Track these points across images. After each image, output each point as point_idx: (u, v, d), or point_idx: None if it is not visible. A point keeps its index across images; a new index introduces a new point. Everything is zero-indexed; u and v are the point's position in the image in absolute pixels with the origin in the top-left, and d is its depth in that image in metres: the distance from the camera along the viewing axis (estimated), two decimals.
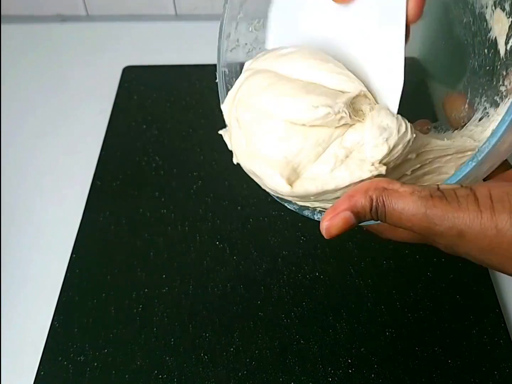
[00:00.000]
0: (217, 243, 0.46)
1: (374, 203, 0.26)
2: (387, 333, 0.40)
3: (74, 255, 0.45)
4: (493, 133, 0.25)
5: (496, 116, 0.30)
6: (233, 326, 0.41)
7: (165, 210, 0.49)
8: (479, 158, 0.25)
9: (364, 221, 0.27)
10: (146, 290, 0.43)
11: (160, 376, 0.38)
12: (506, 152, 0.27)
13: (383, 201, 0.25)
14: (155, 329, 0.41)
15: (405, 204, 0.25)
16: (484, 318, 0.41)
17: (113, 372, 0.39)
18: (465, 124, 0.33)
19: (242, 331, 0.40)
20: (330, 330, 0.40)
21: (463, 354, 0.39)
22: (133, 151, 0.54)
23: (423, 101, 0.41)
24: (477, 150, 0.26)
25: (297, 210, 0.32)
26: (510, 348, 0.39)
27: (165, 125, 0.56)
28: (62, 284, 0.43)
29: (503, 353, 0.39)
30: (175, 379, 0.38)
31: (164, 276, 0.44)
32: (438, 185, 0.25)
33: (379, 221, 0.27)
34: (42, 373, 0.39)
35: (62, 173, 0.53)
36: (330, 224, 0.26)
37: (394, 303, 0.42)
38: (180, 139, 0.55)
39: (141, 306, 0.42)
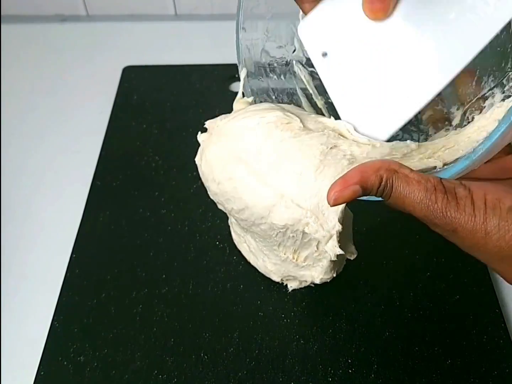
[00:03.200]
0: (217, 243, 0.46)
1: (383, 183, 0.27)
2: (387, 333, 0.40)
3: (74, 255, 0.45)
4: (489, 136, 0.26)
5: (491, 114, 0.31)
6: (233, 326, 0.41)
7: (165, 210, 0.49)
8: (474, 158, 0.27)
9: (368, 195, 0.28)
10: (146, 290, 0.43)
11: (160, 376, 0.38)
12: (502, 146, 0.28)
13: (392, 182, 0.27)
14: (155, 329, 0.41)
15: (411, 190, 0.27)
16: (484, 318, 0.41)
17: (113, 372, 0.39)
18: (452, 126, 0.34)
19: (242, 331, 0.40)
20: (330, 330, 0.40)
21: (463, 354, 0.39)
22: (133, 151, 0.54)
23: None
24: (472, 150, 0.27)
25: None
26: (510, 348, 0.39)
27: (165, 125, 0.56)
28: (62, 284, 0.43)
29: (503, 353, 0.39)
30: (175, 379, 0.38)
31: (164, 276, 0.44)
32: (441, 178, 0.28)
33: (380, 199, 0.29)
34: (42, 373, 0.39)
35: (62, 173, 0.53)
36: (339, 195, 0.28)
37: (394, 303, 0.42)
38: (180, 139, 0.55)
39: (141, 306, 0.42)
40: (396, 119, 0.33)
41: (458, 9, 0.29)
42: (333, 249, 0.35)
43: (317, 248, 0.37)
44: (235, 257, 0.45)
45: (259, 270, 0.43)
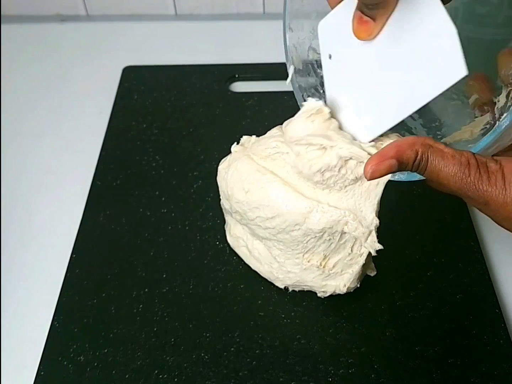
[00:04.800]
0: (217, 243, 0.46)
1: (418, 157, 0.29)
2: (387, 333, 0.40)
3: (74, 255, 0.45)
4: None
5: None
6: (234, 326, 0.41)
7: (165, 210, 0.49)
8: (498, 131, 0.28)
9: (403, 170, 0.30)
10: (146, 289, 0.43)
11: (160, 376, 0.38)
12: None
13: (428, 156, 0.29)
14: (155, 329, 0.41)
15: (446, 164, 0.28)
16: (484, 318, 0.41)
17: (113, 372, 0.38)
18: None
19: (242, 331, 0.40)
20: (331, 330, 0.40)
21: (463, 354, 0.39)
22: (133, 151, 0.54)
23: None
24: (497, 124, 0.29)
25: None
26: (510, 348, 0.39)
27: (165, 125, 0.56)
28: (62, 284, 0.43)
29: (503, 353, 0.39)
30: (175, 379, 0.38)
31: (164, 276, 0.44)
32: (474, 153, 0.29)
33: (414, 174, 0.30)
34: (42, 373, 0.39)
35: (62, 173, 0.53)
36: (376, 168, 0.29)
37: (394, 303, 0.42)
38: (180, 139, 0.55)
39: (141, 305, 0.42)
40: (379, 126, 0.35)
41: (419, 57, 0.31)
42: (373, 244, 0.36)
43: (352, 250, 0.38)
44: (235, 257, 0.45)
45: (262, 275, 0.43)
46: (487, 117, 0.37)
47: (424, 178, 0.30)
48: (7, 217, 0.49)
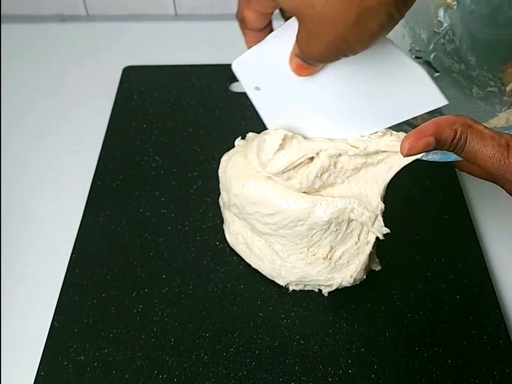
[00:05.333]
0: (217, 243, 0.46)
1: (457, 136, 0.28)
2: (387, 333, 0.40)
3: (74, 255, 0.45)
4: None
5: None
6: (233, 326, 0.41)
7: (165, 210, 0.49)
8: None
9: (440, 149, 0.29)
10: (146, 290, 0.43)
11: (160, 376, 0.38)
12: None
13: (467, 136, 0.28)
14: (155, 329, 0.41)
15: (484, 145, 0.28)
16: (484, 318, 0.41)
17: (113, 372, 0.39)
18: None
19: (242, 331, 0.40)
20: (330, 330, 0.40)
21: (463, 354, 0.39)
22: (133, 151, 0.54)
23: None
24: None
25: None
26: (510, 348, 0.39)
27: (165, 125, 0.56)
28: (62, 284, 0.43)
29: (503, 353, 0.39)
30: (175, 379, 0.38)
31: (164, 276, 0.44)
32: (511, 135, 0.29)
33: (449, 154, 0.30)
34: (42, 373, 0.39)
35: (62, 173, 0.53)
36: (413, 145, 0.28)
37: (394, 303, 0.42)
38: (180, 139, 0.55)
39: (141, 306, 0.42)
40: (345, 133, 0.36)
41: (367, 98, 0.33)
42: (380, 228, 0.37)
43: (359, 239, 0.38)
44: (235, 257, 0.45)
45: (262, 272, 0.43)
46: None
47: (460, 159, 0.30)
48: (7, 217, 0.49)
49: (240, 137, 0.43)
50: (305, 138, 0.37)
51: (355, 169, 0.36)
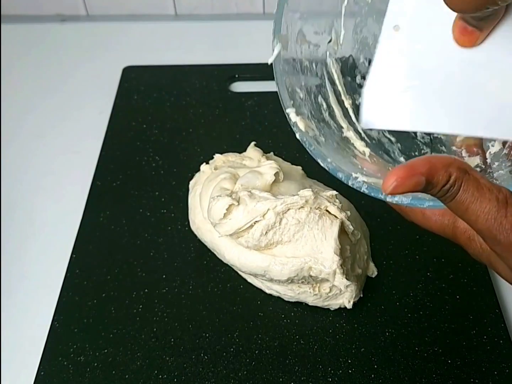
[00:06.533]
0: None
1: (451, 181, 0.24)
2: (387, 333, 0.40)
3: (74, 255, 0.45)
4: None
5: None
6: (233, 326, 0.41)
7: (165, 210, 0.49)
8: None
9: (426, 192, 0.24)
10: (146, 290, 0.43)
11: (160, 376, 0.38)
12: None
13: (461, 184, 0.24)
14: (155, 329, 0.41)
15: (480, 198, 0.24)
16: (484, 318, 0.41)
17: (113, 372, 0.39)
18: None
19: (242, 331, 0.40)
20: (330, 330, 0.40)
21: (463, 354, 0.39)
22: (133, 151, 0.54)
23: None
24: None
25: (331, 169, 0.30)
26: (510, 348, 0.39)
27: (165, 125, 0.56)
28: (62, 284, 0.43)
29: (503, 353, 0.39)
30: (175, 379, 0.38)
31: (164, 276, 0.44)
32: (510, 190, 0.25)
33: (425, 199, 0.26)
34: (42, 373, 0.39)
35: (62, 173, 0.53)
36: (401, 182, 0.23)
37: (394, 303, 0.42)
38: (180, 139, 0.55)
39: (141, 306, 0.42)
40: (434, 124, 0.30)
41: None
42: (341, 282, 0.36)
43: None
44: None
45: (265, 291, 0.42)
46: (477, 160, 0.32)
47: (439, 207, 0.26)
48: (7, 218, 0.49)
49: (204, 163, 0.44)
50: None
51: (298, 223, 0.36)
